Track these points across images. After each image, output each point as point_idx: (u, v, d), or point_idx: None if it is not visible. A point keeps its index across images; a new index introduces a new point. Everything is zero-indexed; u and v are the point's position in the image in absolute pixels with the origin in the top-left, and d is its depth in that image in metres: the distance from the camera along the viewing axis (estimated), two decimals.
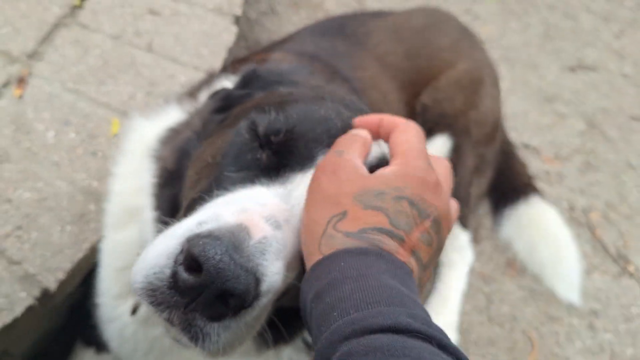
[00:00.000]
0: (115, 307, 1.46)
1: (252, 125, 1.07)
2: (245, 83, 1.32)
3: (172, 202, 1.20)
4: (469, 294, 2.54)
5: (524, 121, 3.23)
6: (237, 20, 2.13)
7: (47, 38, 1.82)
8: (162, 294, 0.84)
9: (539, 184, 2.97)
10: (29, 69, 1.74)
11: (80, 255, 1.53)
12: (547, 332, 2.53)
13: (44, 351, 1.89)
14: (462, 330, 2.43)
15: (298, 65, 1.55)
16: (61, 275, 1.49)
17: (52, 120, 1.68)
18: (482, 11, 3.70)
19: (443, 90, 2.27)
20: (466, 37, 2.47)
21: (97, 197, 1.62)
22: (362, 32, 2.28)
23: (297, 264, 0.97)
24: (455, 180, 2.33)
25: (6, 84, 1.69)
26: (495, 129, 2.50)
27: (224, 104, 1.27)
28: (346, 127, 1.09)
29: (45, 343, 1.87)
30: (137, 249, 1.36)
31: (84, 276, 1.65)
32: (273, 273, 0.87)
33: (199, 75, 1.92)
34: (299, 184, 1.00)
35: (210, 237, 0.82)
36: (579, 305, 2.62)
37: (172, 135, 1.32)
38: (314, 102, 1.13)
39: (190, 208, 1.02)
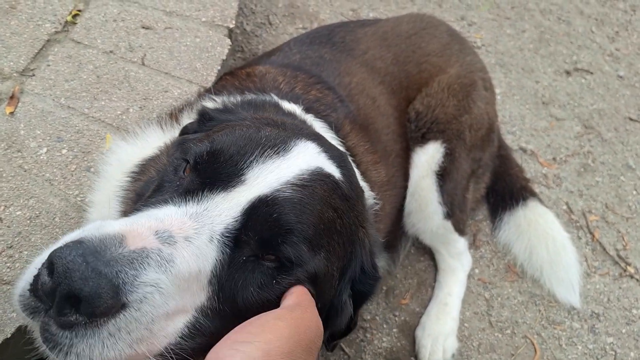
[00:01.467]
0: None
1: (181, 155, 1.10)
2: (201, 122, 1.34)
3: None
4: (470, 300, 2.52)
5: (521, 125, 3.23)
6: (231, 33, 2.14)
7: (39, 54, 1.83)
8: (27, 299, 0.84)
9: (537, 188, 2.96)
10: (21, 86, 1.75)
11: None
12: (549, 337, 2.51)
13: None
14: (464, 337, 2.42)
15: (245, 100, 1.55)
16: None
17: (45, 137, 1.68)
18: (477, 18, 3.71)
19: (435, 95, 2.27)
20: (456, 42, 2.48)
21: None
22: (350, 40, 2.29)
23: (198, 286, 0.94)
24: (451, 186, 2.34)
25: None
26: (491, 132, 2.49)
27: (182, 147, 1.27)
28: (275, 145, 1.10)
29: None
30: None
31: None
32: (142, 283, 0.85)
33: (193, 89, 1.93)
34: (218, 203, 1.00)
35: (74, 242, 0.83)
36: (580, 308, 2.60)
37: (141, 171, 1.33)
38: (242, 128, 1.14)
39: None
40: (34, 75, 1.79)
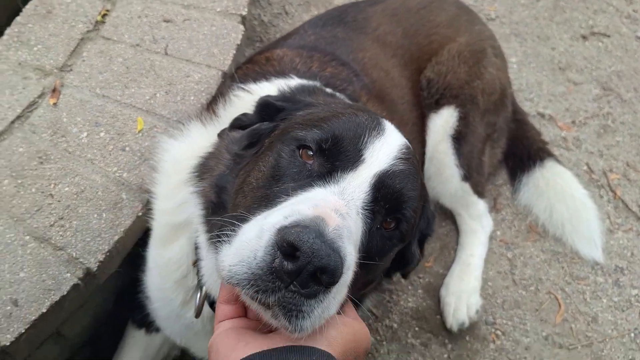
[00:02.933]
0: (180, 312, 1.66)
1: (299, 143, 1.23)
2: (261, 114, 1.47)
3: (220, 224, 1.33)
4: (492, 261, 2.61)
5: (539, 91, 3.28)
6: (244, 20, 2.29)
7: (75, 52, 2.03)
8: (264, 281, 0.99)
9: (557, 150, 3.02)
10: (61, 80, 1.94)
11: (116, 237, 1.71)
12: (573, 292, 2.58)
13: (97, 334, 2.08)
14: (488, 295, 2.51)
15: (298, 87, 1.71)
16: (101, 257, 1.67)
17: (85, 123, 1.87)
18: None
19: (445, 63, 2.37)
20: (464, 13, 2.57)
21: (128, 187, 1.80)
22: (362, 18, 2.41)
23: (357, 250, 1.14)
24: (467, 148, 2.43)
25: (42, 95, 1.90)
26: (504, 97, 2.57)
27: (252, 139, 1.42)
28: (374, 126, 1.27)
29: (96, 327, 2.07)
30: (188, 260, 1.58)
31: (123, 259, 1.83)
32: (350, 253, 1.05)
33: (212, 72, 2.09)
34: (350, 181, 1.17)
35: (299, 226, 0.98)
36: (604, 263, 2.66)
37: (205, 169, 1.47)
38: (341, 114, 1.30)
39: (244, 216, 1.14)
40: (71, 70, 1.98)
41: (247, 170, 1.31)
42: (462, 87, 2.36)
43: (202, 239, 1.42)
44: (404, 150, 1.28)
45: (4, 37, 2.01)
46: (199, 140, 1.55)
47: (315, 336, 1.05)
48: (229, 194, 1.35)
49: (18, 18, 2.06)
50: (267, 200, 1.17)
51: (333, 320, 1.10)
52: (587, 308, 2.53)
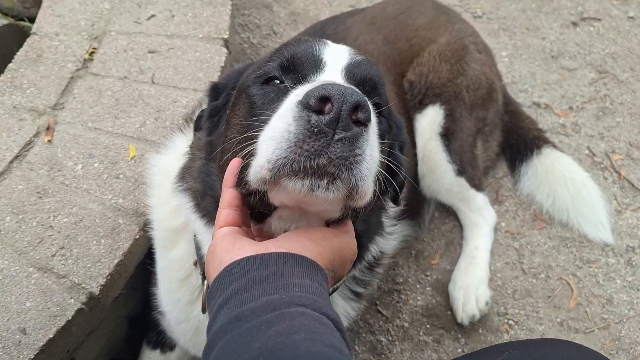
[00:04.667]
0: (188, 311, 1.70)
1: (262, 78, 1.25)
2: (214, 96, 1.52)
3: (214, 201, 1.39)
4: (500, 252, 2.61)
5: (532, 82, 3.29)
6: (227, 42, 2.37)
7: (66, 90, 2.13)
8: (310, 145, 0.99)
9: (556, 137, 3.01)
10: (55, 118, 2.04)
11: (116, 261, 1.77)
12: (585, 275, 2.55)
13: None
14: (497, 286, 2.50)
15: (247, 63, 1.76)
16: (102, 281, 1.73)
17: (79, 156, 1.96)
18: None
19: (426, 64, 2.41)
20: (443, 13, 2.61)
21: (124, 212, 1.87)
22: (342, 29, 2.47)
23: None
24: (457, 144, 2.45)
25: (37, 134, 2.00)
26: (492, 91, 2.59)
27: (214, 119, 1.46)
28: (318, 40, 1.32)
29: (112, 353, 2.12)
30: (190, 261, 1.64)
31: (126, 282, 1.89)
32: (367, 99, 1.06)
33: (198, 95, 2.17)
34: (323, 78, 1.19)
35: (316, 87, 1.01)
36: (614, 244, 2.62)
37: (185, 171, 1.54)
38: (284, 45, 1.34)
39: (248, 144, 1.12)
40: (63, 107, 2.08)
41: (224, 137, 1.32)
42: (445, 85, 2.39)
43: (199, 225, 1.45)
44: (353, 50, 1.34)
45: None
46: (182, 149, 1.62)
47: (304, 245, 1.09)
48: (213, 176, 1.39)
49: (10, 65, 2.18)
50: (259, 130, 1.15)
51: (323, 231, 1.15)
52: (601, 290, 2.50)
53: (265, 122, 1.11)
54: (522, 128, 2.79)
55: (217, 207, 1.21)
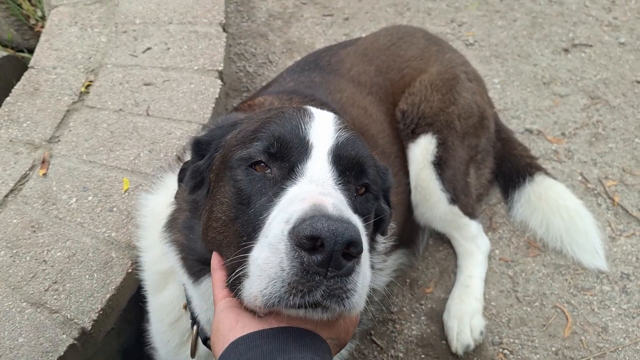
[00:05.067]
0: (177, 353, 1.72)
1: (248, 162, 1.26)
2: (197, 151, 1.51)
3: (198, 262, 1.41)
4: (494, 280, 2.61)
5: (525, 108, 3.32)
6: (221, 74, 2.41)
7: (62, 123, 2.16)
8: (304, 284, 1.01)
9: (549, 164, 3.04)
10: (50, 152, 2.06)
11: (108, 296, 1.78)
12: (580, 303, 2.55)
13: None
14: (492, 315, 2.50)
15: (226, 116, 1.78)
16: (94, 316, 1.74)
17: (73, 189, 1.98)
18: (466, 17, 3.86)
19: (418, 93, 2.44)
20: (433, 44, 2.65)
21: (117, 245, 1.88)
22: (335, 61, 2.51)
23: None
24: (450, 172, 2.47)
25: (32, 167, 2.02)
26: (483, 119, 2.62)
27: (197, 179, 1.46)
28: (303, 114, 1.32)
29: None
30: (179, 304, 1.65)
31: (119, 316, 1.89)
32: (357, 220, 1.10)
33: (193, 127, 2.20)
34: (313, 167, 1.22)
35: (305, 220, 1.02)
36: (609, 271, 2.63)
37: (172, 221, 1.55)
38: (268, 118, 1.34)
39: (242, 250, 1.15)
40: (59, 140, 2.10)
41: (208, 208, 1.35)
42: (437, 114, 2.42)
43: (186, 280, 1.47)
44: (337, 122, 1.35)
45: None
46: (173, 189, 1.63)
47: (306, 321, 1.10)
48: (197, 234, 1.40)
49: (8, 98, 2.21)
50: (249, 224, 1.19)
51: None
52: (596, 318, 2.50)
53: (255, 228, 1.15)
54: (514, 155, 2.82)
55: (202, 268, 1.23)
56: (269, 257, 1.05)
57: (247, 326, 1.08)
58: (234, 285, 1.14)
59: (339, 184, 1.22)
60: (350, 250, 1.01)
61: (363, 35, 3.64)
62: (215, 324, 1.14)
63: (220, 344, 1.09)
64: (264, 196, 1.21)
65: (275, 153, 1.25)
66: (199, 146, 1.50)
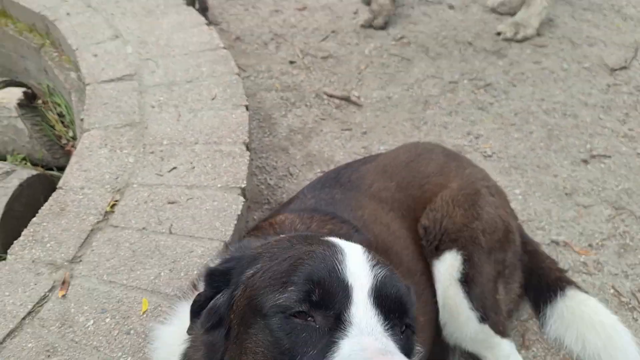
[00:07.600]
0: None
1: (289, 312, 1.19)
2: (212, 285, 1.41)
3: None
4: None
5: (549, 219, 3.28)
6: (244, 191, 2.44)
7: (85, 243, 2.17)
8: None
9: (579, 276, 2.94)
10: (71, 272, 2.06)
11: None
12: None
13: None
14: None
15: (241, 243, 1.73)
16: None
17: (91, 311, 1.94)
18: (482, 130, 3.95)
19: (439, 209, 2.43)
20: (452, 159, 2.68)
21: None
22: (356, 177, 2.54)
23: None
24: (478, 290, 2.39)
25: (52, 288, 2.00)
26: (508, 232, 2.58)
27: (214, 320, 1.36)
28: (334, 251, 1.29)
29: None
30: None
31: None
32: None
33: (214, 245, 2.19)
34: (359, 314, 1.17)
35: None
36: None
37: None
38: (299, 258, 1.29)
39: None
40: (81, 260, 2.10)
41: (235, 356, 1.27)
42: (461, 230, 2.39)
43: None
44: (367, 255, 1.32)
45: (21, 237, 2.17)
46: (187, 320, 1.57)
47: None
48: None
49: (34, 219, 2.25)
50: None
51: None
52: None
53: None
54: (542, 269, 2.73)
55: None
56: None
57: None
58: None
59: (387, 329, 1.18)
60: None
61: (381, 148, 3.73)
62: None
63: None
64: (310, 348, 1.15)
65: (316, 301, 1.20)
66: (214, 277, 1.43)
